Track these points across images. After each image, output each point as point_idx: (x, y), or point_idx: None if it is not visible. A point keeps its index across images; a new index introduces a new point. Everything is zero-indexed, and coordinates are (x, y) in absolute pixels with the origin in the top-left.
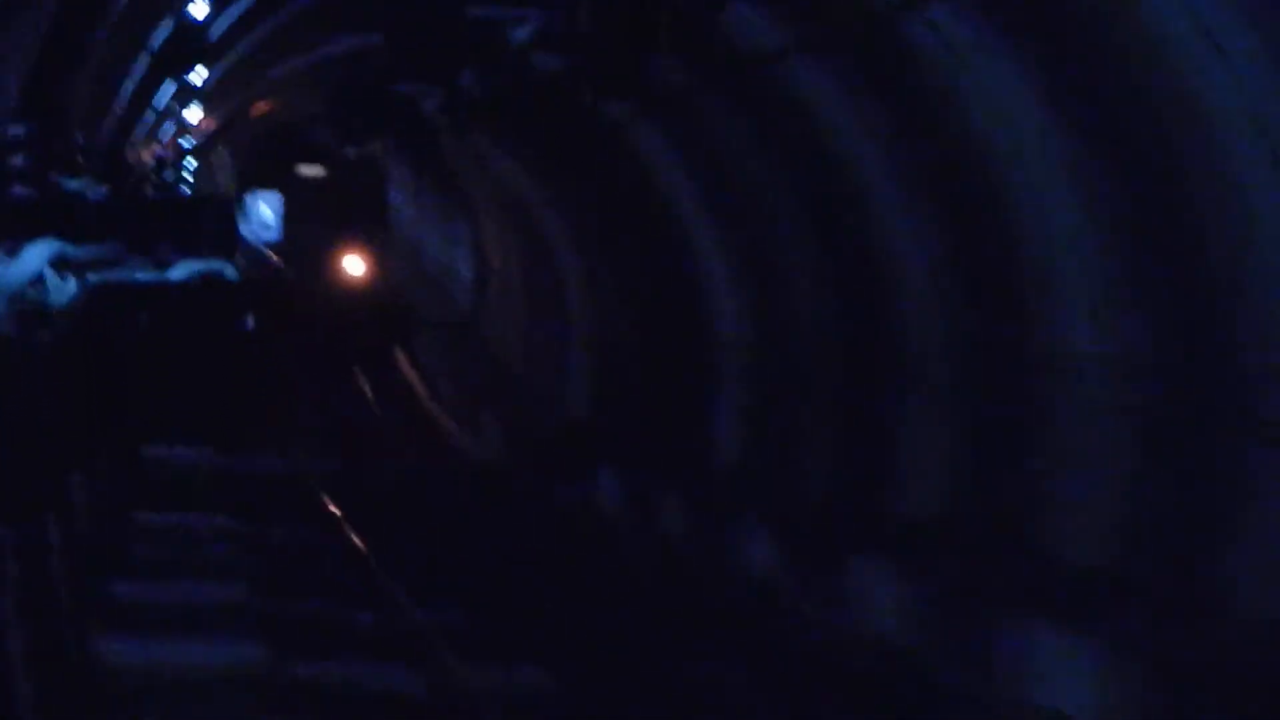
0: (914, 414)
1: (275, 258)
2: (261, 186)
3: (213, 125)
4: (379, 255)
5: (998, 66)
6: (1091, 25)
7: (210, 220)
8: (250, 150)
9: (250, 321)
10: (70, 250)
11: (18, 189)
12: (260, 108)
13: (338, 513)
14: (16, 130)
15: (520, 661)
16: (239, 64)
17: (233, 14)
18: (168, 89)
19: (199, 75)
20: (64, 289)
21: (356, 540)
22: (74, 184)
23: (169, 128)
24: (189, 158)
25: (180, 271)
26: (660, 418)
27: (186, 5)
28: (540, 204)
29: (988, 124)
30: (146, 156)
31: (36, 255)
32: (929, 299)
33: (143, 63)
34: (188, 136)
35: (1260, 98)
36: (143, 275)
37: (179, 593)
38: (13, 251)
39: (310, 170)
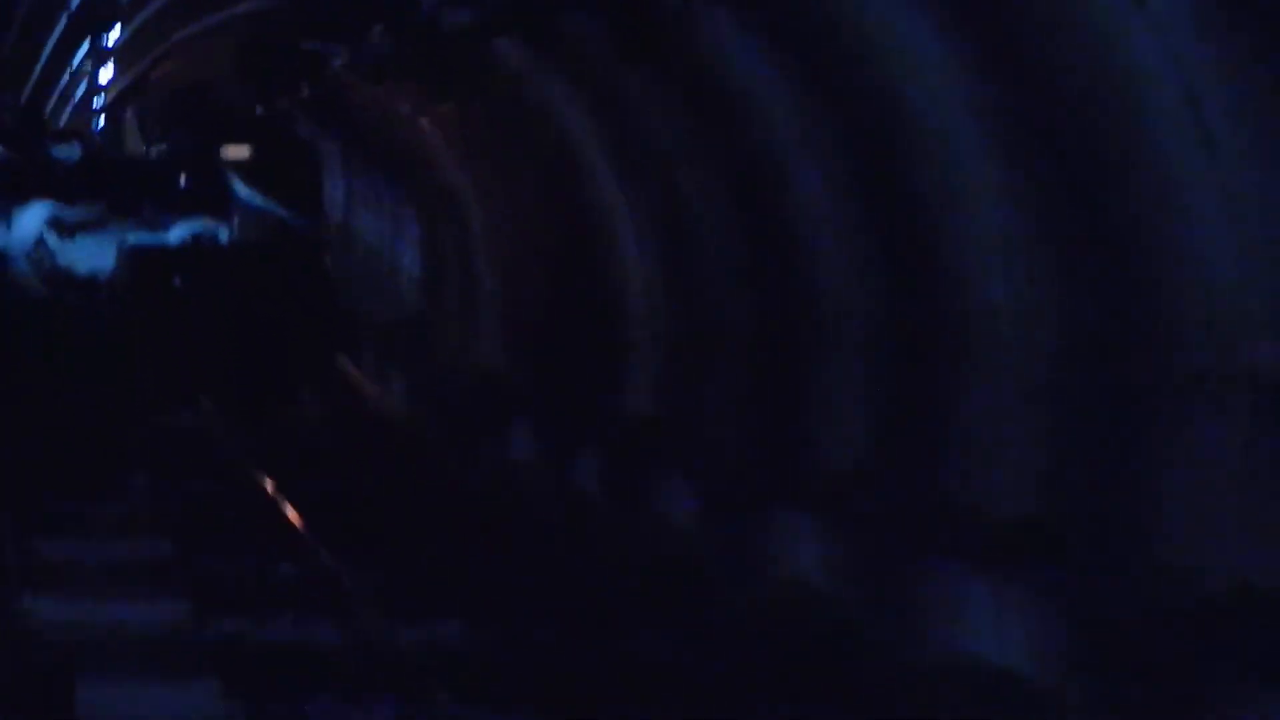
0: (832, 367)
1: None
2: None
3: (122, 85)
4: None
5: (914, 23)
6: None
7: (198, 180)
8: (160, 115)
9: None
10: (63, 212)
11: None
12: (167, 67)
13: (251, 467)
14: None
15: (438, 617)
16: (149, 22)
17: None
18: (82, 50)
19: (113, 35)
20: (68, 251)
21: (273, 495)
22: (52, 145)
23: (82, 88)
24: (100, 118)
25: (178, 234)
26: (573, 371)
27: None
28: (452, 162)
29: (901, 79)
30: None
31: (34, 217)
32: (844, 249)
33: (61, 23)
34: (99, 96)
35: (1178, 43)
36: (174, 238)
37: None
38: (3, 214)
39: (236, 153)
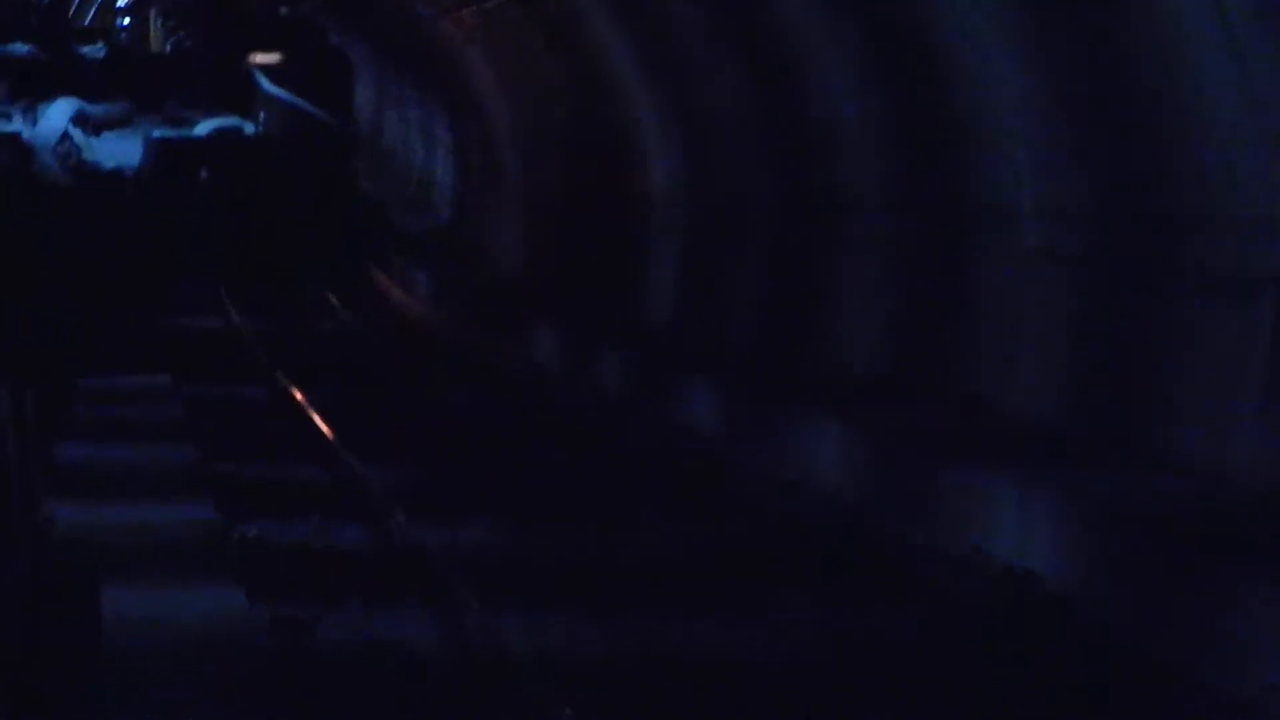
0: (853, 267)
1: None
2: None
3: None
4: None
5: None
6: None
7: (222, 76)
8: (184, 15)
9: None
10: (88, 108)
11: (18, 47)
12: None
13: (277, 370)
14: None
15: (465, 518)
16: None
17: None
18: None
19: None
20: (94, 147)
21: (300, 398)
22: (79, 44)
23: None
24: (124, 18)
25: (204, 128)
26: (595, 273)
27: None
28: (478, 62)
29: None
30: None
31: (60, 113)
32: (866, 150)
33: None
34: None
35: None
36: (201, 131)
37: (125, 456)
38: (30, 110)
39: (266, 58)
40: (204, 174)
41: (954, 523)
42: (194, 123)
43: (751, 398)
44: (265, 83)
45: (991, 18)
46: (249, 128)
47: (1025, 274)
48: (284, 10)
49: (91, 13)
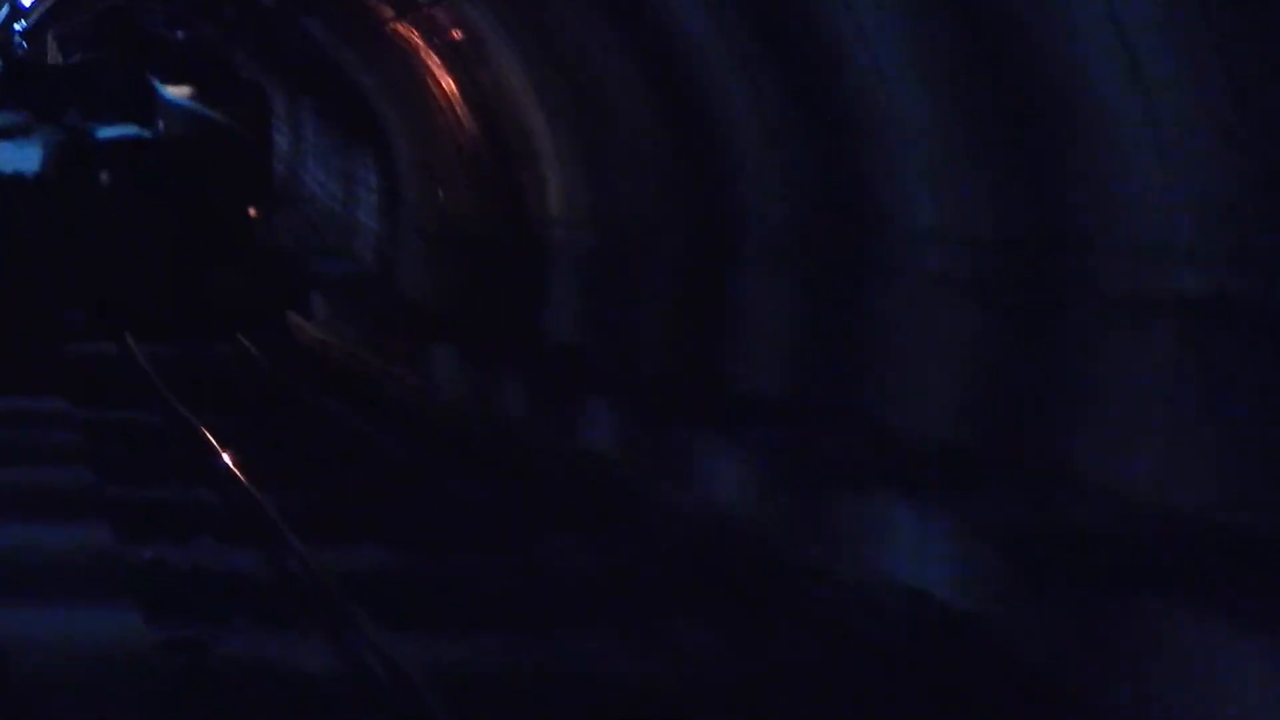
0: (755, 290)
1: None
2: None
3: (44, 8)
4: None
5: None
6: None
7: (120, 85)
8: (82, 39)
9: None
10: None
11: None
12: None
13: (169, 394)
14: None
15: (361, 541)
16: None
17: None
18: None
19: None
20: None
21: (193, 422)
22: None
23: (4, 11)
24: (22, 41)
25: (104, 135)
26: (498, 297)
27: None
28: (373, 90)
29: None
30: None
31: None
32: (770, 173)
33: None
34: (20, 21)
35: None
36: (104, 134)
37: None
38: None
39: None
40: (105, 178)
41: (854, 546)
42: (95, 131)
43: (654, 420)
44: (165, 91)
45: (895, 43)
46: (148, 134)
47: (927, 297)
48: (179, 34)
49: None
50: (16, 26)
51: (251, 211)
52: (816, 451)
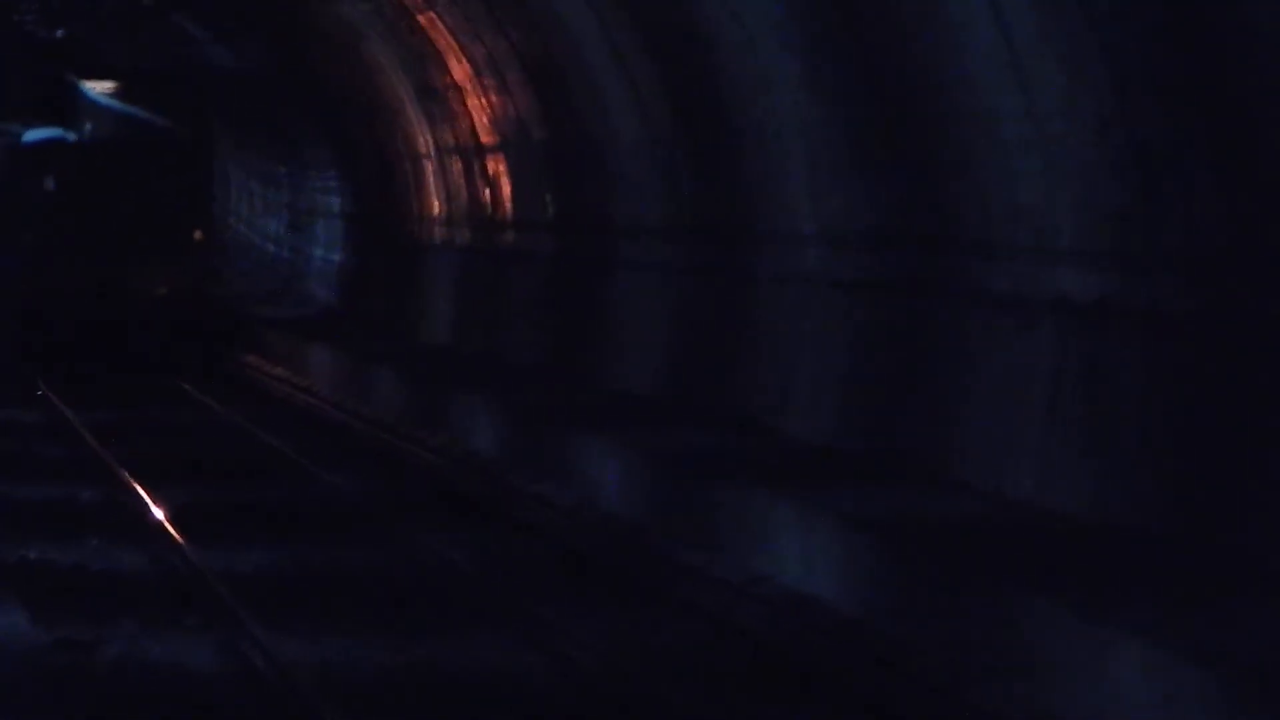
0: (635, 291)
1: None
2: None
3: None
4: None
5: None
6: None
7: (42, 88)
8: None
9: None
10: None
11: None
12: None
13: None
14: None
15: (244, 544)
16: None
17: None
18: None
19: None
20: None
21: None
22: None
23: None
24: None
25: (31, 138)
26: (378, 299)
27: None
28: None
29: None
30: None
31: None
32: (649, 175)
33: None
34: None
35: None
36: (44, 137)
37: None
38: None
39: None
40: (50, 184)
41: (734, 545)
42: (18, 134)
43: (531, 420)
44: (90, 91)
45: (776, 46)
46: (71, 137)
47: (807, 297)
48: (59, 32)
49: None
50: None
51: (197, 234)
52: (697, 451)
